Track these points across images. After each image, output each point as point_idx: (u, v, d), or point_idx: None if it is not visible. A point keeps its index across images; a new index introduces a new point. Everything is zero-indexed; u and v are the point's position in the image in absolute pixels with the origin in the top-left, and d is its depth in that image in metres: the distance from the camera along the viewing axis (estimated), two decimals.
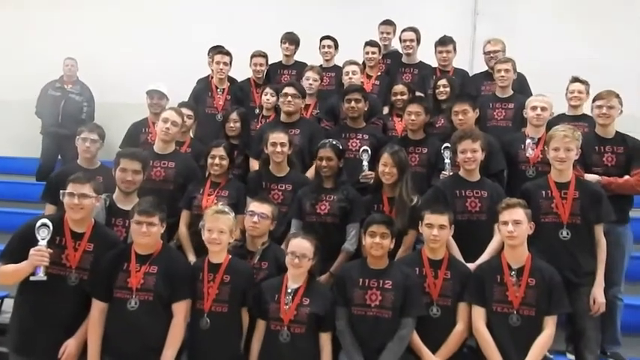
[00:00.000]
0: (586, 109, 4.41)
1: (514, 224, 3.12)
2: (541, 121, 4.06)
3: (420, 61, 5.59)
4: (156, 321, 3.02)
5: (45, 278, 2.96)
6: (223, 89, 5.24)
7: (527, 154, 4.00)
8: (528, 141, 4.02)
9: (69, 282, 3.07)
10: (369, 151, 4.13)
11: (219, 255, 3.17)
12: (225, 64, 5.20)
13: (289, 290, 3.12)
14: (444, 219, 3.25)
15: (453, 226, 3.31)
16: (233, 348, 3.13)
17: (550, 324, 3.10)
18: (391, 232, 3.21)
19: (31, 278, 2.97)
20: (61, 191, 3.14)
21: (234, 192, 3.89)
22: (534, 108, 4.07)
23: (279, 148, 3.89)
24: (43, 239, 2.98)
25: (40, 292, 3.00)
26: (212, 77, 5.31)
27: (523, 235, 3.15)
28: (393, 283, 3.15)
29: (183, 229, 3.87)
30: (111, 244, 3.21)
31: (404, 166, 3.65)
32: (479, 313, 3.15)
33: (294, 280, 3.15)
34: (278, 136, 3.91)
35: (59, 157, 6.51)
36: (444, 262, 3.27)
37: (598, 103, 3.95)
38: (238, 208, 3.67)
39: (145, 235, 3.04)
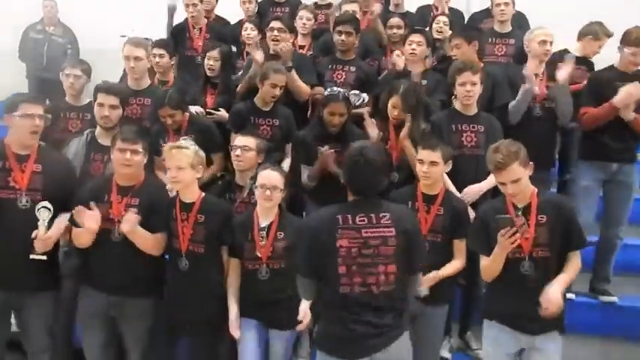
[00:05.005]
0: None
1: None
2: (548, 56, 3.84)
3: None
4: (139, 252, 2.93)
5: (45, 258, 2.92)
6: (200, 29, 4.97)
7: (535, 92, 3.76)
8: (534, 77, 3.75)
9: (19, 205, 2.92)
10: (359, 94, 3.98)
11: (188, 193, 3.02)
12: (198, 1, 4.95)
13: (262, 226, 2.99)
14: (435, 155, 3.05)
15: (450, 162, 3.13)
16: (213, 288, 3.02)
17: (574, 257, 2.75)
18: None
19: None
20: (12, 113, 2.98)
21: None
22: (544, 42, 3.79)
23: (278, 92, 3.77)
24: (44, 220, 2.87)
25: None
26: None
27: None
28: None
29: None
30: (60, 163, 3.13)
31: (414, 109, 3.45)
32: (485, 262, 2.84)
33: (266, 215, 3.01)
34: (279, 78, 3.74)
35: (46, 100, 6.34)
36: (438, 197, 3.10)
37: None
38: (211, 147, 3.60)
39: (128, 163, 2.92)
